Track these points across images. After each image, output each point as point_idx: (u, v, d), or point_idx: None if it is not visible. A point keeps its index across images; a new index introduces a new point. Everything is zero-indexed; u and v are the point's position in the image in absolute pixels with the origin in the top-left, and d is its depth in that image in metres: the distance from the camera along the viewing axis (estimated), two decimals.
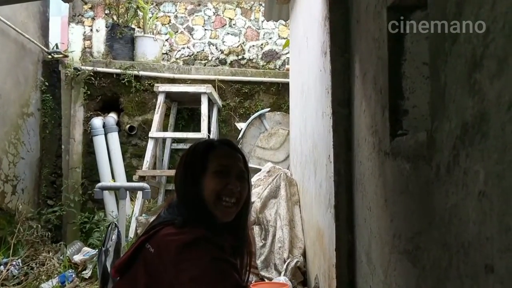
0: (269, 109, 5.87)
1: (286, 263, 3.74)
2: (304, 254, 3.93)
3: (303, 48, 3.95)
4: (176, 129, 6.35)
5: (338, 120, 2.68)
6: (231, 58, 7.89)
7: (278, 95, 6.51)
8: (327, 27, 2.84)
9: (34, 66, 6.15)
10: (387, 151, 1.93)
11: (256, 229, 4.19)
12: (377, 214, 2.10)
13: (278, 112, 5.84)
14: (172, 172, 5.96)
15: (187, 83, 6.25)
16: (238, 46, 8.07)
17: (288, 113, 5.47)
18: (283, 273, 3.70)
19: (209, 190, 1.33)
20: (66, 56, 6.42)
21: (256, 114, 5.64)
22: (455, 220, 1.26)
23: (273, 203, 4.22)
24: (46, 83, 6.25)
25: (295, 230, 4.07)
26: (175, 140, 6.39)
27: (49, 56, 6.35)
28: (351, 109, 2.63)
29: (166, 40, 7.31)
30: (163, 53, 7.15)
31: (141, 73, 6.35)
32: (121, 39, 6.50)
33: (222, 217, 1.35)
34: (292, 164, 4.88)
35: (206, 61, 7.70)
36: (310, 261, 3.78)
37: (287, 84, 6.40)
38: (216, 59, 7.72)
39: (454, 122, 1.27)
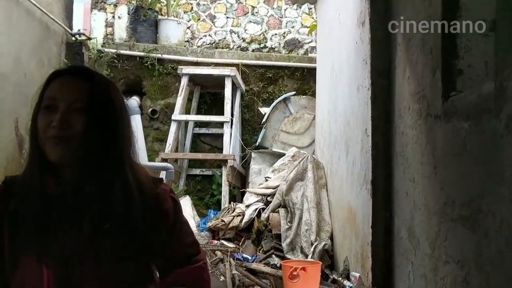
0: (294, 92, 5.75)
1: (314, 245, 3.63)
2: (331, 238, 3.81)
3: (335, 24, 3.82)
4: (199, 113, 6.26)
5: (377, 92, 2.56)
6: (253, 46, 7.78)
7: (303, 80, 6.38)
8: None
9: (58, 48, 6.11)
10: (438, 114, 1.81)
11: (282, 211, 4.08)
12: (423, 184, 1.98)
13: (304, 96, 5.71)
14: (194, 156, 5.92)
15: (210, 67, 6.16)
16: (260, 35, 7.95)
17: (314, 98, 5.35)
18: (310, 255, 3.59)
19: (39, 128, 1.12)
20: (90, 39, 6.38)
21: (281, 97, 5.52)
22: None
23: (299, 185, 4.11)
24: (69, 65, 6.22)
25: (322, 214, 3.95)
26: (197, 125, 6.32)
27: (73, 38, 6.31)
28: (390, 80, 2.50)
29: (188, 28, 7.23)
30: (185, 41, 7.08)
31: (164, 56, 6.28)
32: (145, 21, 6.44)
33: (50, 156, 1.10)
34: (318, 148, 4.76)
35: (227, 49, 7.61)
36: (338, 244, 3.66)
37: (312, 69, 6.26)
38: (237, 47, 7.61)
39: None
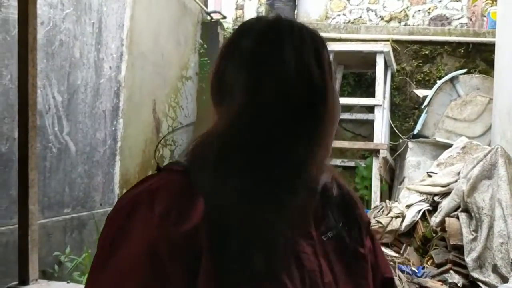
0: (464, 70, 4.79)
1: None
2: None
3: None
4: (341, 96, 5.60)
5: None
6: (392, 25, 6.94)
7: (467, 58, 5.38)
8: None
9: (194, 28, 5.85)
10: None
11: (462, 217, 3.27)
12: None
13: (477, 75, 4.73)
14: (340, 144, 5.27)
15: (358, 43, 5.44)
16: (401, 12, 7.15)
17: (490, 76, 4.37)
18: None
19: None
20: (225, 17, 6.05)
21: (447, 76, 4.62)
22: None
23: (486, 185, 3.26)
24: (205, 46, 5.94)
25: None
26: None
27: (208, 17, 6.03)
28: None
29: None
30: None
31: None
32: None
33: None
34: (502, 139, 3.82)
35: (376, 23, 6.92)
36: None
37: (480, 44, 5.27)
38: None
39: None
